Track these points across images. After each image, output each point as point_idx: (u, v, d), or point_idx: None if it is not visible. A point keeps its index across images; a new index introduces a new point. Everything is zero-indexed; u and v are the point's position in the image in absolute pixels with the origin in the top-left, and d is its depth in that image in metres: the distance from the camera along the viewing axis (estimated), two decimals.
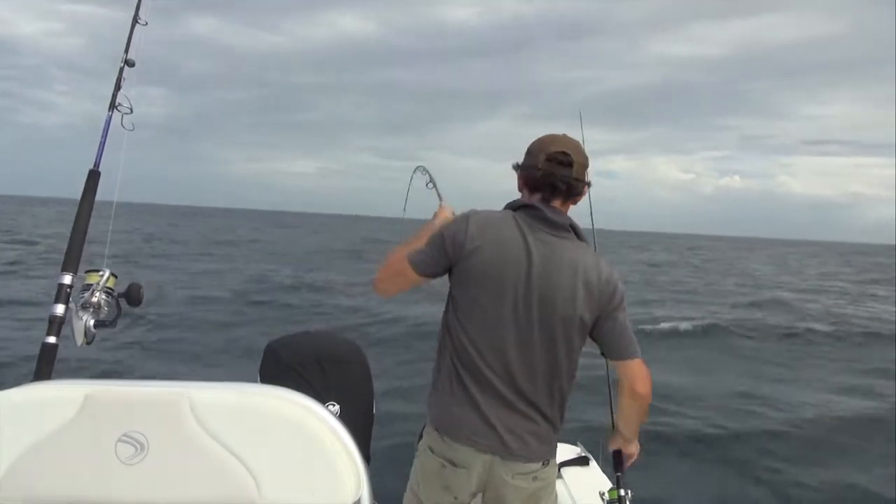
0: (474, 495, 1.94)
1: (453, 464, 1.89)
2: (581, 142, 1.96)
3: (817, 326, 14.23)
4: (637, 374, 1.92)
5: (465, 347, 1.88)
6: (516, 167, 1.98)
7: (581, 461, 2.63)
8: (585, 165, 1.91)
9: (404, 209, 2.50)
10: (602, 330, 1.90)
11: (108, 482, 1.12)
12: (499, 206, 1.97)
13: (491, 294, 1.84)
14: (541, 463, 1.92)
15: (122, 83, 2.08)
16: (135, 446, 1.12)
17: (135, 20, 2.12)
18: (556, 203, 1.90)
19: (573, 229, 1.91)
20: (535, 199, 1.91)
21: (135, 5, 2.13)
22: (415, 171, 2.39)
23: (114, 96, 2.06)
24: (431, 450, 1.93)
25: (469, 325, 1.88)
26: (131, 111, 2.06)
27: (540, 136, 1.95)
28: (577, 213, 2.00)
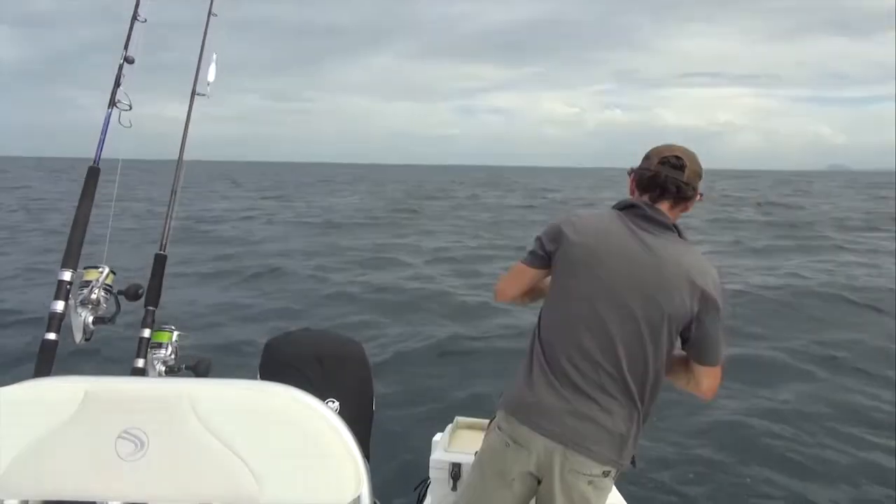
0: (530, 477, 1.94)
1: (516, 442, 1.92)
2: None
3: None
4: (714, 381, 1.94)
5: (548, 334, 1.93)
6: (630, 171, 2.02)
7: None
8: (699, 174, 1.95)
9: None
10: (694, 333, 1.87)
11: (108, 479, 1.12)
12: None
13: (584, 282, 1.88)
14: (601, 469, 1.87)
15: (121, 80, 2.07)
16: (135, 443, 1.11)
17: (134, 17, 2.11)
18: (664, 205, 1.93)
19: (676, 229, 1.92)
20: (643, 199, 1.96)
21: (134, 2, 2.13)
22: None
23: (113, 93, 2.06)
24: (499, 427, 1.98)
25: (555, 314, 1.94)
26: (130, 108, 2.05)
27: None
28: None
